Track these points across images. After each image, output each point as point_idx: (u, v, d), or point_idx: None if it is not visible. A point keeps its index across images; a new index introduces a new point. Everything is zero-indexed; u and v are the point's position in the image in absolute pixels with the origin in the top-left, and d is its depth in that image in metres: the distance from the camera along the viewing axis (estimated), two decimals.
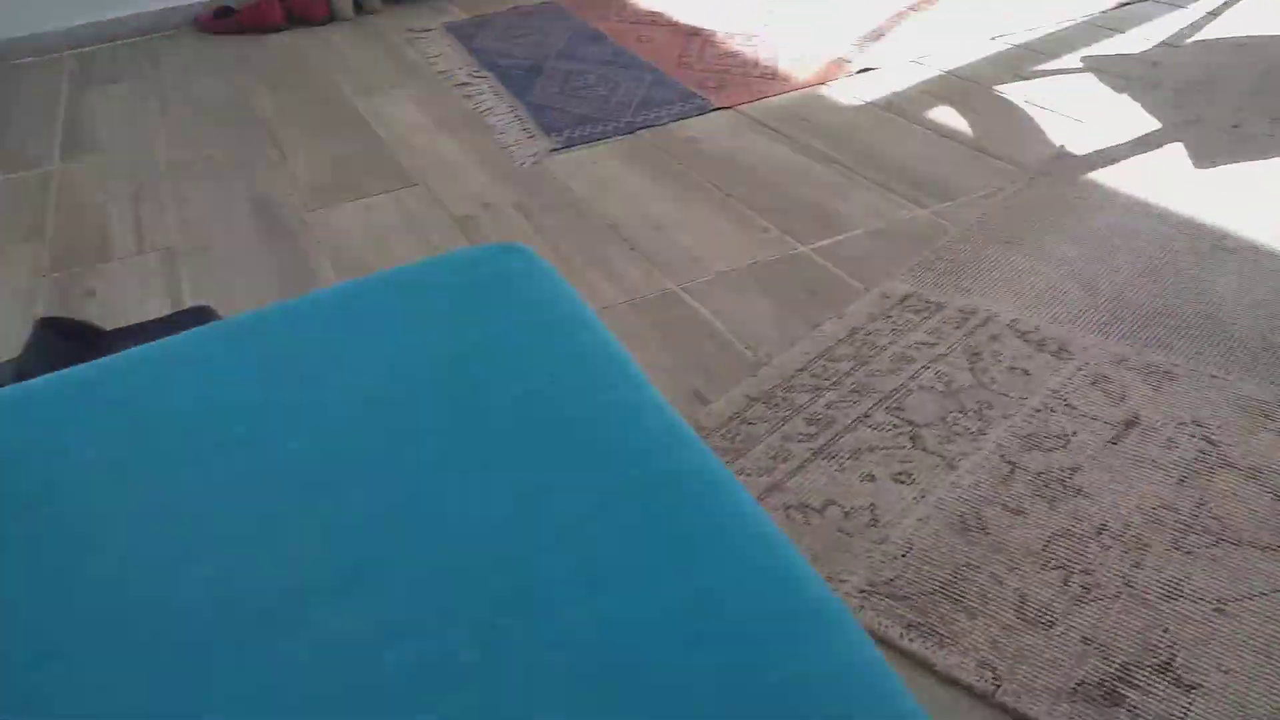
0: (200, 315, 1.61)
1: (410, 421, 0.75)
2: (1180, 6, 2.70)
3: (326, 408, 0.77)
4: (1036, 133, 2.11)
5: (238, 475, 0.70)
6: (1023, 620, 1.02)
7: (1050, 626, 1.01)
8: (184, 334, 0.94)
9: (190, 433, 0.75)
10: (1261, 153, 1.94)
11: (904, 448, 1.26)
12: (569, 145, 2.23)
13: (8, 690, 0.56)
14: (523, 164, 2.17)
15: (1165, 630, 0.99)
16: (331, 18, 3.19)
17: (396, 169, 2.20)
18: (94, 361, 0.91)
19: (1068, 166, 1.96)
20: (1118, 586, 1.04)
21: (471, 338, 0.86)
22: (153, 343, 0.92)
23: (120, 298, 1.81)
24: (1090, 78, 2.34)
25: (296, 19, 3.17)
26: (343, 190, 2.13)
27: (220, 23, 3.17)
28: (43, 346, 1.46)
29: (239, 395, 0.80)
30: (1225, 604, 1.01)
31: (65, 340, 1.50)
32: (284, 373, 0.83)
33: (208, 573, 0.63)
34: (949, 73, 2.43)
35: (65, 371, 0.89)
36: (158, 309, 1.76)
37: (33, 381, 0.89)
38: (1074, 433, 1.26)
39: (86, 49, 3.23)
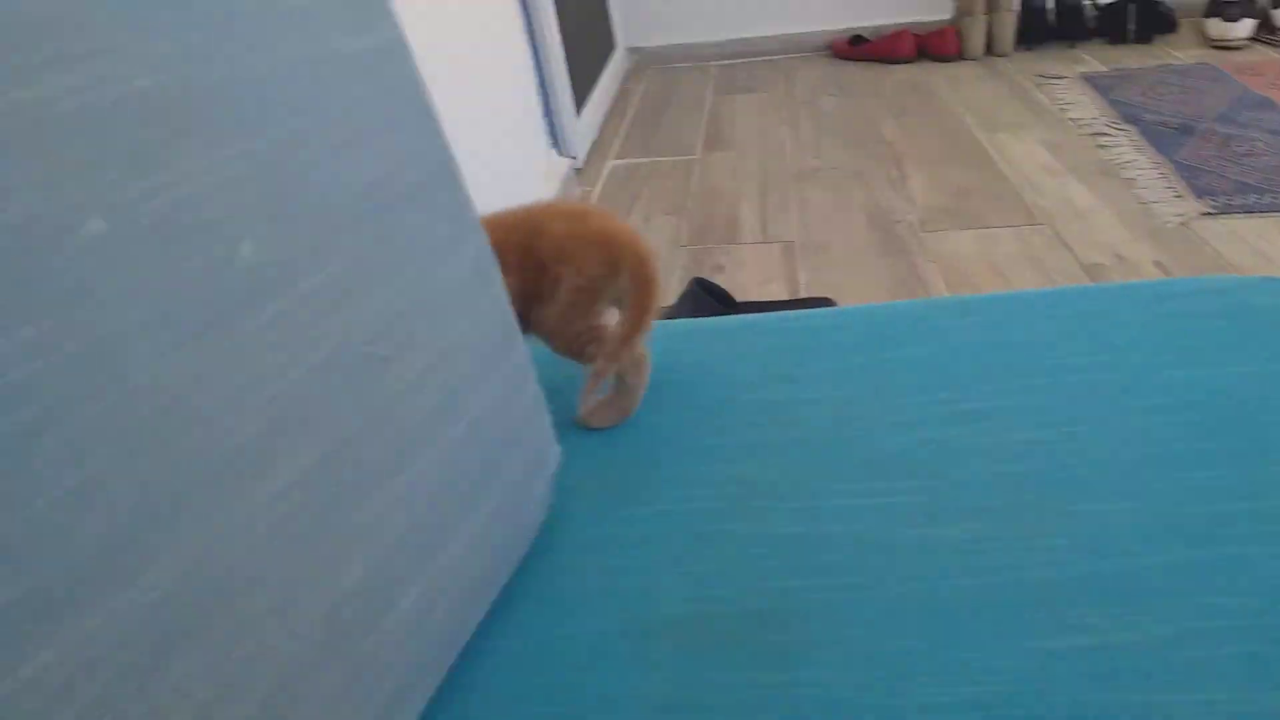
0: (823, 305, 1.67)
1: (1167, 436, 0.66)
2: None
3: (1058, 397, 0.71)
4: None
5: (954, 447, 0.66)
6: None
7: None
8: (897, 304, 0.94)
9: (903, 389, 0.73)
10: None
11: None
12: (1226, 211, 1.97)
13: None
14: (1166, 223, 1.96)
15: None
16: (960, 56, 3.19)
17: (1019, 206, 2.11)
18: (770, 314, 0.94)
19: None
20: None
21: (1240, 366, 0.75)
22: (877, 305, 0.93)
23: (744, 277, 1.95)
24: None
25: (926, 53, 3.23)
26: (961, 217, 2.10)
27: (853, 49, 3.33)
28: (693, 299, 1.61)
29: (957, 367, 0.76)
30: None
31: (709, 298, 1.64)
32: (1007, 355, 0.78)
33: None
34: None
35: (725, 318, 0.93)
36: (775, 293, 1.87)
37: (708, 319, 0.95)
38: None
39: (729, 61, 3.59)
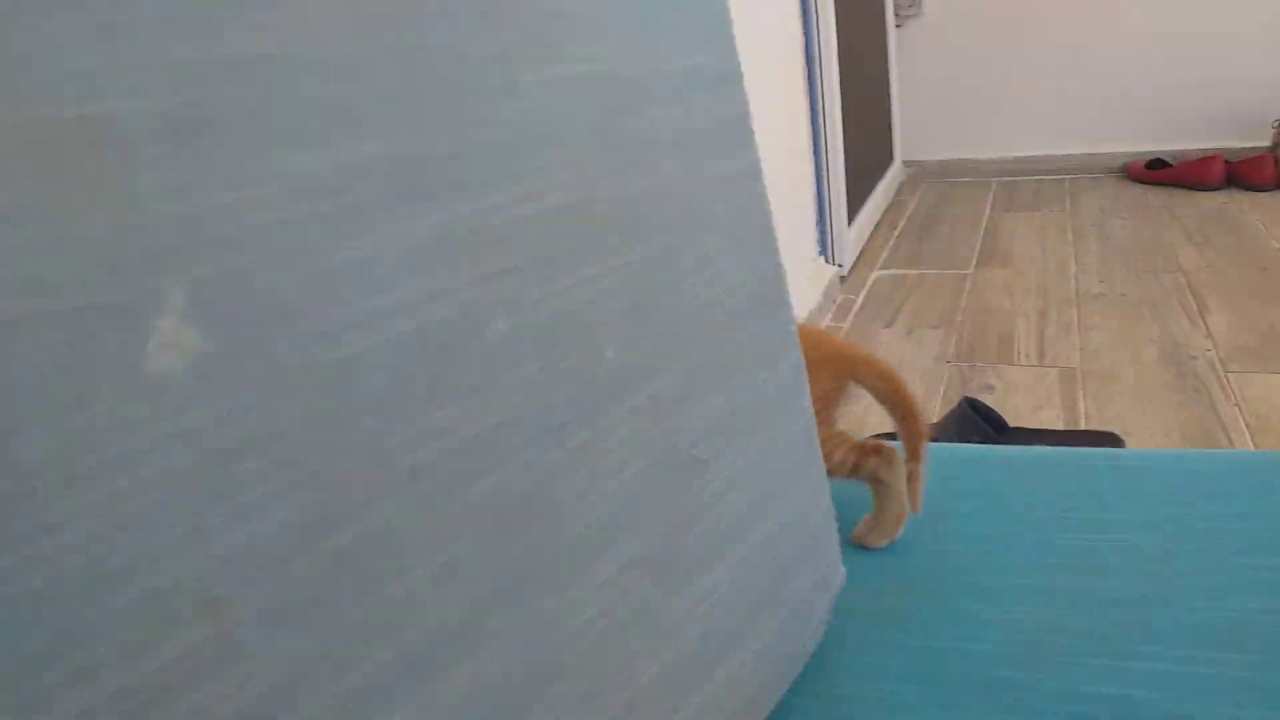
0: (1110, 440, 1.56)
1: None
2: None
3: None
4: None
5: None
6: None
7: None
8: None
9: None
10: None
11: None
12: None
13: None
14: None
15: None
16: (1279, 186, 2.93)
17: None
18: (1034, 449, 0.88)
19: None
20: None
21: None
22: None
23: (1015, 399, 1.85)
24: None
25: (1236, 182, 2.99)
26: (1270, 359, 1.90)
27: (1151, 173, 3.15)
28: (961, 419, 1.55)
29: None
30: None
31: (979, 419, 1.57)
32: None
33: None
34: None
35: (1007, 448, 0.87)
36: (1050, 421, 1.76)
37: (976, 446, 0.90)
38: None
39: (1011, 178, 3.49)
